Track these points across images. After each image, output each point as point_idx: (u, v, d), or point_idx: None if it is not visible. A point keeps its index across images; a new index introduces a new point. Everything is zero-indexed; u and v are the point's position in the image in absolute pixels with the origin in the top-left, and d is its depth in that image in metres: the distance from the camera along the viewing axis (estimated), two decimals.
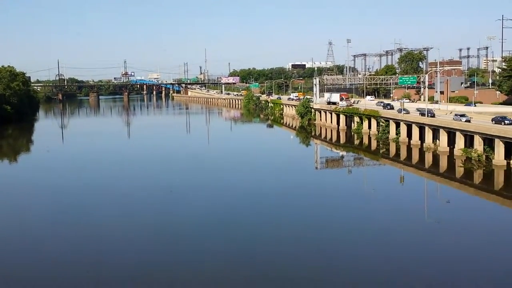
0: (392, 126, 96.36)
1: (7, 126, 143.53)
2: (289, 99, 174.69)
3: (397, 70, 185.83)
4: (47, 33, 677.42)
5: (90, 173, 73.20)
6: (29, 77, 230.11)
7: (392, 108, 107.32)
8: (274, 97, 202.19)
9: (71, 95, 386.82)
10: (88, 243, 40.12)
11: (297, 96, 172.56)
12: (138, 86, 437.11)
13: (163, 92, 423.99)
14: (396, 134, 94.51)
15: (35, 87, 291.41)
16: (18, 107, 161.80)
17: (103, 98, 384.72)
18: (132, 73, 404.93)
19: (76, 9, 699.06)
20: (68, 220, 47.38)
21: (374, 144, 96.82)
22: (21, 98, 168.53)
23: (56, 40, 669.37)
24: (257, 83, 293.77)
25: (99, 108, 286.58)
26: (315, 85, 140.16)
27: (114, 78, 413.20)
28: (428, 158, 78.78)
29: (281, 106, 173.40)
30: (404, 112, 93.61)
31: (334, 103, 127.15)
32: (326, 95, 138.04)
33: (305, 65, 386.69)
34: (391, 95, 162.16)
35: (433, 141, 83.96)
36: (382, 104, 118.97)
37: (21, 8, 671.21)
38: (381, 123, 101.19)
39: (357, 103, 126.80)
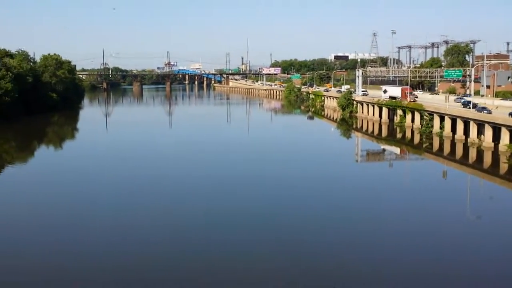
0: (436, 120, 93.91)
1: (53, 113, 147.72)
2: (338, 91, 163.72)
3: (442, 63, 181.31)
4: (93, 23, 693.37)
5: (133, 161, 74.45)
6: (75, 65, 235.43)
7: (474, 106, 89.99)
8: (321, 89, 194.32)
9: (115, 83, 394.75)
10: (123, 232, 40.68)
11: (348, 89, 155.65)
12: (180, 76, 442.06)
13: (205, 82, 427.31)
14: (440, 128, 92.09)
15: (81, 76, 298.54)
16: (64, 94, 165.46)
17: (146, 87, 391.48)
18: (175, 63, 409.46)
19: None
20: (105, 207, 48.40)
21: (417, 138, 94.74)
22: (66, 86, 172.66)
23: (102, 29, 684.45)
24: (299, 74, 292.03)
25: (142, 97, 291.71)
26: (358, 77, 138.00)
27: (157, 67, 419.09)
28: (472, 153, 76.55)
29: (322, 98, 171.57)
30: (486, 112, 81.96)
31: (394, 98, 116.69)
32: (388, 89, 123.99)
33: (348, 56, 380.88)
34: (436, 88, 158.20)
35: (477, 136, 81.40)
36: (462, 101, 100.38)
37: None
38: (424, 117, 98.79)
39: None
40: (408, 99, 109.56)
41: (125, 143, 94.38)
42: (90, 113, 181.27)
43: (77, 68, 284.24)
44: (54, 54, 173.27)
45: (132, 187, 56.60)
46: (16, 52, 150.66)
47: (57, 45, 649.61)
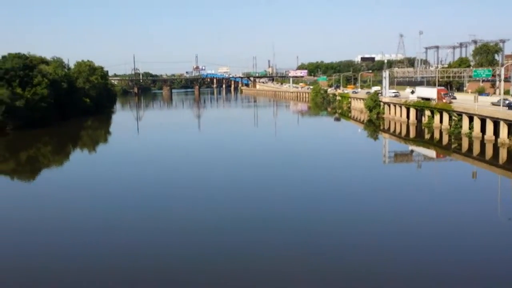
0: (465, 121, 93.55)
1: (87, 118, 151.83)
2: (368, 93, 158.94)
3: (471, 63, 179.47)
4: (124, 29, 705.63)
5: (163, 164, 76.60)
6: (107, 71, 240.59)
7: None
8: (349, 91, 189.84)
9: (145, 88, 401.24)
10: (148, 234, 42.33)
11: (376, 91, 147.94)
12: (208, 80, 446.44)
13: (232, 86, 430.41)
14: (469, 128, 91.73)
15: (113, 81, 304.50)
16: (97, 99, 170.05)
17: (175, 92, 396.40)
18: (203, 67, 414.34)
19: (150, 5, 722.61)
20: (133, 209, 50.03)
21: (445, 139, 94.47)
22: (99, 91, 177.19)
23: (132, 35, 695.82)
24: (325, 76, 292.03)
25: (172, 101, 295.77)
26: (385, 78, 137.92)
27: (186, 72, 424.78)
28: (503, 154, 75.98)
29: (349, 100, 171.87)
30: None
31: (427, 99, 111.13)
32: (420, 89, 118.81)
33: (374, 58, 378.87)
34: (465, 88, 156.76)
35: (508, 136, 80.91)
36: (506, 102, 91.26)
37: (100, 5, 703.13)
38: (453, 117, 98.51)
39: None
40: (445, 100, 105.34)
41: (156, 147, 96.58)
42: (122, 117, 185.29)
43: (110, 74, 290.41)
44: (87, 60, 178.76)
45: (161, 189, 58.24)
46: (51, 59, 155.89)
47: (90, 52, 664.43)
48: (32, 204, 53.26)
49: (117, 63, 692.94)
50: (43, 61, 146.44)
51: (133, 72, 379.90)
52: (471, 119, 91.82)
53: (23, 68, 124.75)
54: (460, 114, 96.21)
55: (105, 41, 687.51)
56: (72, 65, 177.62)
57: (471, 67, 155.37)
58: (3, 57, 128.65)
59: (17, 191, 62.67)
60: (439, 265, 33.14)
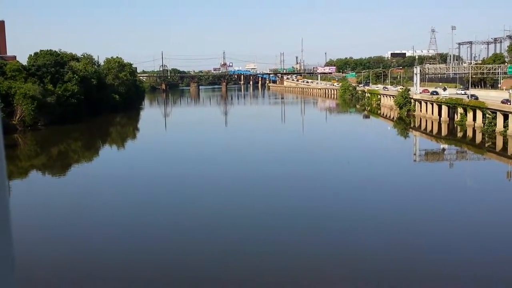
0: (500, 118, 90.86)
1: (116, 114, 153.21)
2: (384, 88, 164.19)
3: (506, 59, 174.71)
4: (153, 26, 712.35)
5: (191, 161, 76.59)
6: (136, 67, 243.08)
7: None
8: (380, 87, 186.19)
9: (173, 85, 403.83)
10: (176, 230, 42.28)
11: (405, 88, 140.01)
12: (235, 76, 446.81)
13: (260, 82, 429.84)
14: (504, 126, 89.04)
15: (141, 77, 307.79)
16: (125, 96, 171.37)
17: (202, 88, 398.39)
18: (230, 64, 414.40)
19: (179, 2, 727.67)
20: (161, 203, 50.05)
21: (479, 137, 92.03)
22: (128, 88, 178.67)
23: (160, 33, 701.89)
24: (354, 73, 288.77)
25: (199, 98, 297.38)
26: (416, 74, 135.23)
27: (213, 68, 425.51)
28: None
29: (378, 97, 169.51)
30: None
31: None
32: None
33: (405, 53, 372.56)
34: (499, 85, 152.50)
35: None
36: None
37: (129, 3, 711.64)
38: (487, 115, 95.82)
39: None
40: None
41: (183, 143, 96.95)
42: (150, 113, 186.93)
43: (138, 70, 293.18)
44: (117, 57, 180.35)
45: (189, 185, 58.12)
46: (82, 56, 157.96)
47: (119, 49, 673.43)
48: (63, 199, 53.70)
49: (145, 60, 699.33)
50: (74, 58, 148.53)
51: (161, 69, 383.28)
52: (505, 117, 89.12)
53: (55, 65, 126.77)
54: (494, 112, 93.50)
55: (134, 38, 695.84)
56: (102, 62, 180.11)
57: (506, 63, 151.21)
58: (35, 54, 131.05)
59: (46, 186, 63.44)
60: (474, 268, 32.23)
